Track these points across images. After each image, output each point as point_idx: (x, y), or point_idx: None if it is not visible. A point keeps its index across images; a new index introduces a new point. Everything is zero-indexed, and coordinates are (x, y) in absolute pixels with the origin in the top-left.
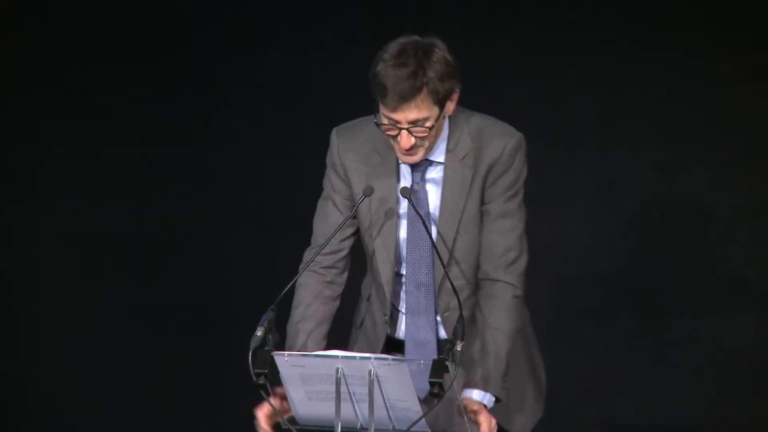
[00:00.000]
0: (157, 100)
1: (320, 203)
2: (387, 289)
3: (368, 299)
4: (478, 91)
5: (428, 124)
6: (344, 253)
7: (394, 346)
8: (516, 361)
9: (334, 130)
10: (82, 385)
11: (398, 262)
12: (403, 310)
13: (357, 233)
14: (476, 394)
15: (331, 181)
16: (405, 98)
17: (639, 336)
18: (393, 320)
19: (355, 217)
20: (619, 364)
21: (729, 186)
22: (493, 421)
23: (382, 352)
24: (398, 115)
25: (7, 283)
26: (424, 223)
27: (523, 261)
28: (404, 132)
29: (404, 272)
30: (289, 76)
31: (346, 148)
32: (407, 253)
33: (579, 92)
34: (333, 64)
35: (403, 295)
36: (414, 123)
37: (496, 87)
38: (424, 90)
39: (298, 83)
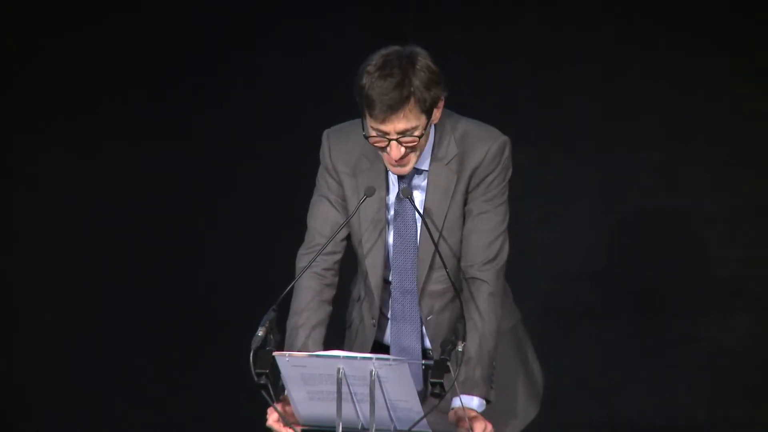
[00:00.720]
0: (157, 99)
1: (315, 201)
2: (377, 294)
3: (358, 300)
4: (478, 91)
5: (417, 133)
6: (341, 255)
7: (381, 351)
8: (506, 363)
9: (325, 133)
10: (82, 385)
11: (387, 267)
12: (390, 316)
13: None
14: (465, 399)
15: (326, 180)
16: (393, 109)
17: (639, 336)
18: (380, 325)
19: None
20: (619, 364)
21: (729, 186)
22: (489, 426)
23: (370, 351)
24: (387, 126)
25: (7, 283)
26: (424, 221)
27: (500, 260)
28: (394, 143)
29: (391, 279)
30: (289, 76)
31: (337, 152)
32: (393, 259)
33: (579, 92)
34: (333, 64)
35: (389, 301)
36: (403, 133)
37: (496, 87)
38: (412, 99)
39: (298, 83)
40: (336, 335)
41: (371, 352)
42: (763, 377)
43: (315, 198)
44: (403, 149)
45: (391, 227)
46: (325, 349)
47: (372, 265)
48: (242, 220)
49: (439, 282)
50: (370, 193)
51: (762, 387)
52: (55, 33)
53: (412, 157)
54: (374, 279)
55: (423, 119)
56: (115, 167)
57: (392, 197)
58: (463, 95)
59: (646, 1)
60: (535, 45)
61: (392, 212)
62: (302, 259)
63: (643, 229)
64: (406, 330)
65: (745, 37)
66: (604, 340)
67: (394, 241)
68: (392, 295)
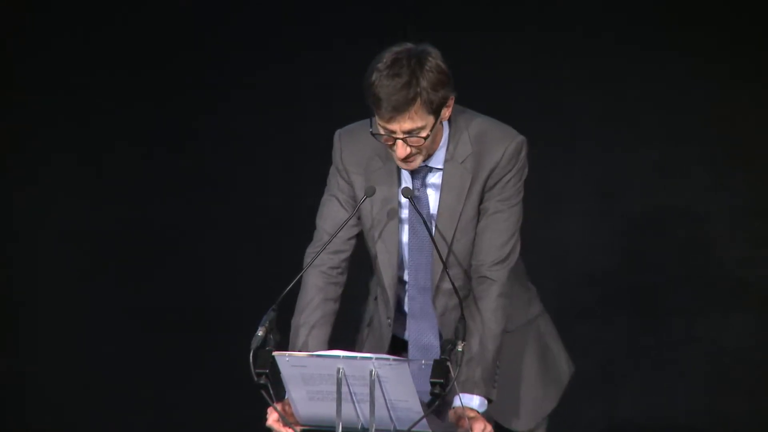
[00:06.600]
0: (157, 100)
1: (324, 201)
2: (390, 293)
3: (375, 299)
4: (477, 92)
5: (423, 133)
6: (349, 253)
7: (400, 346)
8: (521, 357)
9: (337, 134)
10: (82, 385)
11: (401, 266)
12: (408, 314)
13: (361, 235)
14: (465, 398)
15: (337, 180)
16: (398, 109)
17: (639, 336)
18: (400, 322)
19: (359, 217)
20: (619, 364)
21: (729, 186)
22: (488, 427)
23: (388, 352)
24: (393, 126)
25: (8, 282)
26: (425, 222)
27: (512, 260)
28: (399, 142)
29: (407, 278)
30: (289, 76)
31: (348, 153)
32: (409, 257)
33: (579, 92)
34: (333, 64)
35: (406, 299)
36: (409, 133)
37: (496, 87)
38: (418, 101)
39: (299, 83)
40: (352, 334)
41: (390, 349)
42: (763, 377)
43: (325, 197)
44: (408, 148)
45: (404, 226)
46: (332, 347)
47: (384, 264)
48: (243, 220)
49: (453, 279)
50: (370, 193)
51: (762, 386)
52: (56, 33)
53: (419, 156)
54: (387, 278)
55: (430, 120)
56: (116, 168)
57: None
58: (463, 95)
59: (646, 1)
60: (535, 45)
61: (406, 211)
62: (309, 257)
63: (643, 229)
64: (424, 328)
65: (745, 37)
66: (604, 340)
67: (409, 239)
68: (409, 293)
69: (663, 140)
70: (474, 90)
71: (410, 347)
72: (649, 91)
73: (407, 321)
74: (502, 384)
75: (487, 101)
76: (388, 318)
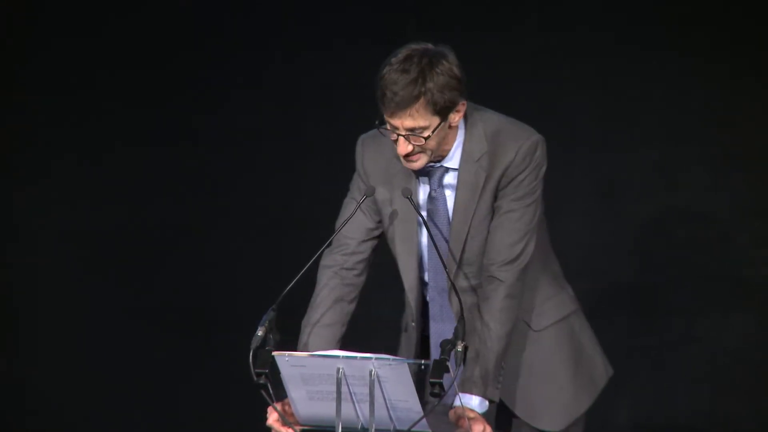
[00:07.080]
0: (158, 100)
1: (345, 203)
2: (411, 295)
3: (407, 303)
4: (477, 92)
5: (425, 133)
6: (364, 255)
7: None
8: (551, 355)
9: (360, 139)
10: (82, 385)
11: (421, 268)
12: (430, 317)
13: (380, 237)
14: (465, 398)
15: (358, 185)
16: (400, 106)
17: (639, 336)
18: (425, 323)
19: (380, 221)
20: (619, 364)
21: (729, 186)
22: (488, 428)
23: (416, 353)
24: (395, 121)
25: (8, 282)
26: (424, 222)
27: (522, 261)
28: (401, 138)
29: (427, 279)
30: (289, 76)
31: (369, 158)
32: (428, 259)
33: (579, 92)
34: (333, 64)
35: (428, 301)
36: (411, 131)
37: (496, 87)
38: (421, 99)
39: (299, 83)
40: (361, 334)
41: (422, 349)
42: (763, 377)
43: (346, 200)
44: (410, 146)
45: (423, 228)
46: (344, 348)
47: (404, 266)
48: (243, 221)
49: (467, 278)
50: (370, 193)
51: (762, 386)
52: (56, 34)
53: (423, 156)
54: (409, 280)
55: (434, 120)
56: (116, 167)
57: (423, 198)
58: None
59: (646, 1)
60: (535, 45)
61: (424, 213)
62: (325, 258)
63: (642, 229)
64: (445, 329)
65: (745, 36)
66: (604, 340)
67: (428, 241)
68: (429, 294)
69: (663, 140)
70: (474, 90)
71: (432, 348)
72: (649, 91)
73: (429, 322)
74: (532, 383)
75: (487, 101)
76: (412, 322)
